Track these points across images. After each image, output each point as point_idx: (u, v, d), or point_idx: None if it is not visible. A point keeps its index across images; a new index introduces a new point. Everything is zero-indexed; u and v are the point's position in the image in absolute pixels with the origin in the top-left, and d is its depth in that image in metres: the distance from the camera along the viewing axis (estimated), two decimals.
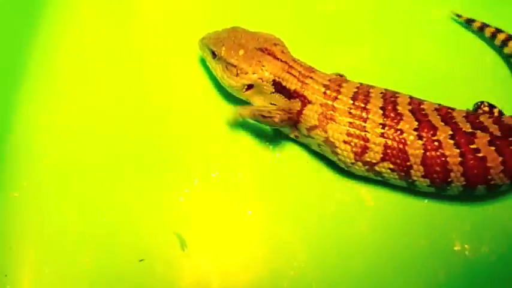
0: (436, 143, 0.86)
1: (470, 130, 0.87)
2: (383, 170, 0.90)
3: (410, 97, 0.93)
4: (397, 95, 0.93)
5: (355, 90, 0.92)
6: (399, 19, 1.15)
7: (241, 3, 1.16)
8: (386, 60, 1.10)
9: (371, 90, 0.93)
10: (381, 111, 0.89)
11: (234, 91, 1.00)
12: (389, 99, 0.91)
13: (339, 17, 1.15)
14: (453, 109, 0.92)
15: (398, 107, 0.90)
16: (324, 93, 0.92)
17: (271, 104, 0.97)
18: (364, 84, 0.95)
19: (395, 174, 0.90)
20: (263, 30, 1.01)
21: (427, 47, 1.11)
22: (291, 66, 0.95)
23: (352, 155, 0.90)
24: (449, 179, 0.87)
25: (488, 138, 0.86)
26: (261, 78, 0.95)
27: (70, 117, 0.99)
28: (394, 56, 1.10)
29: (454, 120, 0.89)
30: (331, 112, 0.90)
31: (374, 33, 1.13)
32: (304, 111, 0.93)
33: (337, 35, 1.13)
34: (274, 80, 0.95)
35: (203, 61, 1.05)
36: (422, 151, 0.86)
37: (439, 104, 0.93)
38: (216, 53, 0.99)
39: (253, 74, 0.95)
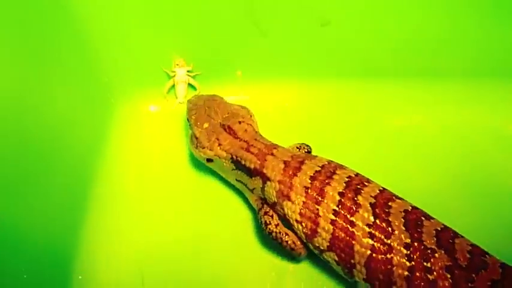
0: (385, 247, 0.77)
1: (432, 246, 0.76)
2: (329, 259, 0.84)
3: (382, 190, 0.84)
4: (366, 183, 0.85)
5: (318, 169, 0.87)
6: None
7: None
8: None
9: (337, 172, 0.86)
10: (338, 197, 0.82)
11: (201, 160, 1.01)
12: (354, 186, 0.83)
13: None
14: (430, 218, 0.81)
15: (359, 197, 0.82)
16: (284, 170, 0.88)
17: (237, 180, 0.97)
18: (334, 163, 0.89)
19: (340, 268, 0.83)
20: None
21: None
22: (250, 145, 0.93)
23: (303, 236, 0.86)
24: None
25: (449, 263, 0.75)
26: (217, 156, 0.96)
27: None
28: None
29: (419, 229, 0.78)
30: (288, 190, 0.86)
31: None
32: (265, 188, 0.91)
33: None
34: (232, 158, 0.94)
35: None
36: (369, 251, 0.78)
37: (420, 210, 0.83)
38: (188, 119, 1.02)
39: (210, 150, 0.96)
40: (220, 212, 1.02)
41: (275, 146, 0.94)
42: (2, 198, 0.82)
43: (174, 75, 1.16)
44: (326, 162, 0.89)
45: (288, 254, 0.93)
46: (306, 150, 1.02)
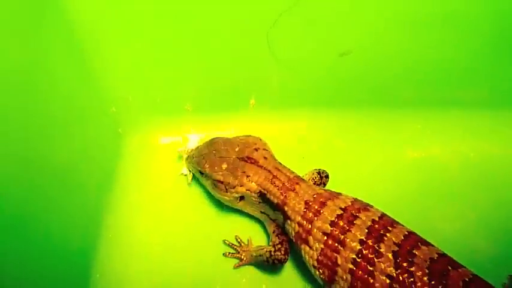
0: None
1: None
2: None
3: (407, 235, 0.80)
4: (390, 228, 0.81)
5: (340, 212, 0.83)
6: None
7: None
8: None
9: (360, 216, 0.83)
10: (359, 246, 0.78)
11: (229, 203, 0.99)
12: (377, 233, 0.79)
13: None
14: (457, 267, 0.77)
15: (382, 245, 0.78)
16: (304, 211, 0.85)
17: (261, 212, 0.96)
18: (358, 204, 0.85)
19: None
20: None
21: None
22: (275, 176, 0.91)
23: (321, 281, 0.84)
24: None
25: None
26: (249, 190, 0.93)
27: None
28: None
29: (444, 281, 0.74)
30: (306, 234, 0.84)
31: None
32: (285, 225, 0.89)
33: None
34: (260, 192, 0.92)
35: None
36: None
37: (447, 258, 0.79)
38: (201, 171, 0.98)
39: (241, 186, 0.93)
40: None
41: (297, 181, 0.90)
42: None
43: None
44: (350, 203, 0.85)
45: (252, 258, 0.96)
46: (325, 176, 1.00)
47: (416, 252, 0.77)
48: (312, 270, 0.85)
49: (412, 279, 0.74)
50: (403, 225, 0.83)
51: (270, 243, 0.93)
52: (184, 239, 1.02)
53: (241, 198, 0.95)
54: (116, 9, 0.98)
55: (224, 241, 1.00)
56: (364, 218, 0.82)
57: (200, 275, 0.98)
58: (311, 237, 0.83)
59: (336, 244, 0.80)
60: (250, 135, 1.01)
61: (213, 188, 0.98)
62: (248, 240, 1.01)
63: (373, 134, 1.16)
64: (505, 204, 1.03)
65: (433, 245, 0.80)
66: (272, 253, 0.91)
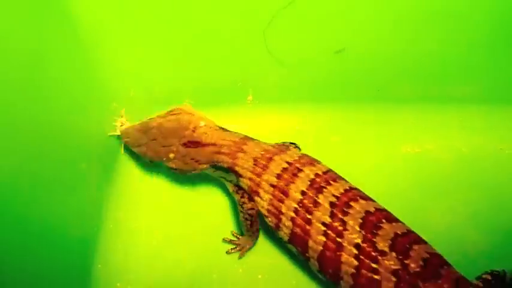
0: (336, 246, 0.82)
1: (384, 249, 0.80)
2: (292, 250, 0.91)
3: (348, 190, 0.87)
4: (332, 182, 0.88)
5: (285, 166, 0.90)
6: None
7: None
8: None
9: (305, 169, 0.89)
10: (300, 196, 0.86)
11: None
12: (318, 185, 0.87)
13: None
14: (393, 221, 0.84)
15: (320, 196, 0.86)
16: (253, 167, 0.92)
17: (219, 176, 1.00)
18: (304, 159, 0.92)
19: (300, 257, 0.90)
20: None
21: None
22: (220, 146, 0.95)
23: (271, 228, 0.92)
24: (339, 285, 0.84)
25: (396, 267, 0.78)
26: (203, 168, 0.98)
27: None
28: None
29: (375, 231, 0.81)
30: (257, 187, 0.91)
31: None
32: (239, 183, 0.95)
33: None
34: (210, 164, 0.97)
35: None
36: (322, 248, 0.83)
37: (385, 213, 0.85)
38: (150, 161, 1.02)
39: (194, 170, 0.98)
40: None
41: (244, 141, 0.96)
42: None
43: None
44: (296, 158, 0.92)
45: (245, 234, 1.00)
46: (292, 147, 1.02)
47: (353, 205, 0.84)
48: (264, 218, 0.92)
49: (342, 227, 0.82)
50: (347, 181, 0.90)
51: (238, 204, 0.98)
52: (184, 229, 1.05)
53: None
54: (117, 4, 1.01)
55: (224, 239, 1.04)
56: (307, 172, 0.89)
57: (198, 265, 1.01)
58: (261, 189, 0.90)
59: (281, 194, 0.88)
60: (179, 110, 1.00)
61: (169, 169, 1.01)
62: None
63: (368, 129, 1.17)
64: (498, 200, 1.05)
65: (374, 201, 0.87)
66: (241, 209, 0.96)
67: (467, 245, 1.00)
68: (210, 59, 1.11)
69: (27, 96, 0.86)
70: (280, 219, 0.88)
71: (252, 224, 0.96)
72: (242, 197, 0.96)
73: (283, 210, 0.87)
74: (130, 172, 1.11)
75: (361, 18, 1.05)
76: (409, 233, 0.83)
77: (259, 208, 0.92)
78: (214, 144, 0.96)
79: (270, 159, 0.92)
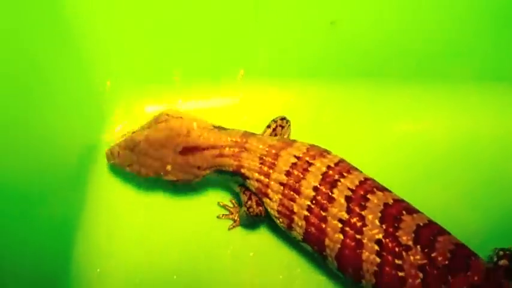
0: (356, 243, 0.76)
1: (408, 243, 0.74)
2: (307, 248, 0.85)
3: (363, 181, 0.82)
4: (346, 174, 0.82)
5: (294, 161, 0.84)
6: None
7: None
8: None
9: (315, 163, 0.83)
10: (313, 193, 0.81)
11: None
12: (331, 178, 0.81)
13: None
14: (413, 212, 0.79)
15: (335, 190, 0.80)
16: (260, 167, 0.86)
17: (224, 180, 0.95)
18: (313, 151, 0.86)
19: (315, 255, 0.85)
20: None
21: None
22: (221, 147, 0.88)
23: (283, 229, 0.87)
24: (361, 284, 0.78)
25: (423, 261, 0.73)
26: (205, 175, 0.91)
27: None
28: None
29: (397, 225, 0.76)
30: (266, 188, 0.85)
31: None
32: (246, 184, 0.89)
33: None
34: (214, 170, 0.90)
35: None
36: (339, 246, 0.78)
37: (404, 204, 0.80)
38: (145, 177, 0.93)
39: (197, 178, 0.91)
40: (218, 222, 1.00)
41: (246, 139, 0.89)
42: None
43: None
44: (305, 151, 0.86)
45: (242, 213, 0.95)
46: (280, 120, 0.98)
47: (370, 197, 0.79)
48: (274, 219, 0.87)
49: (362, 223, 0.77)
50: (361, 172, 0.85)
51: (243, 204, 0.92)
52: (170, 210, 1.00)
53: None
54: None
55: (219, 203, 0.99)
56: (319, 165, 0.83)
57: (185, 247, 0.96)
58: (269, 189, 0.85)
59: (292, 193, 0.82)
60: (166, 116, 0.92)
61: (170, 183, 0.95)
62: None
63: (362, 105, 1.12)
64: (493, 178, 1.02)
65: (390, 191, 0.82)
66: (247, 212, 0.90)
67: (463, 224, 0.95)
68: (199, 31, 1.06)
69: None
70: (292, 220, 0.83)
71: (251, 219, 0.92)
72: (249, 199, 0.89)
73: (295, 209, 0.82)
74: (105, 180, 1.03)
75: None
76: (430, 223, 0.78)
77: (269, 210, 0.86)
78: (214, 147, 0.88)
79: (277, 155, 0.85)
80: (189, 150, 0.89)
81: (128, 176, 1.01)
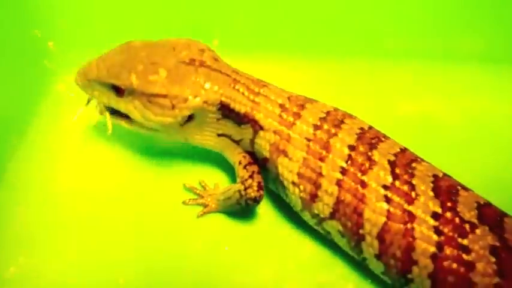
0: (406, 215, 0.61)
1: (472, 220, 0.60)
2: (331, 230, 0.69)
3: (404, 150, 0.69)
4: (383, 138, 0.70)
5: (323, 115, 0.69)
6: None
7: None
8: None
9: (347, 121, 0.70)
10: (348, 151, 0.66)
11: (168, 132, 0.75)
12: (368, 140, 0.68)
13: None
14: (468, 190, 0.65)
15: (375, 152, 0.66)
16: (280, 116, 0.70)
17: (219, 135, 0.75)
18: (341, 111, 0.71)
19: (345, 241, 0.68)
20: None
21: None
22: (235, 80, 0.72)
23: (299, 202, 0.70)
24: (410, 275, 0.62)
25: (494, 243, 0.58)
26: (206, 102, 0.71)
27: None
28: None
29: (454, 198, 0.62)
30: (285, 143, 0.69)
31: None
32: (256, 140, 0.70)
33: None
34: (221, 102, 0.72)
35: None
36: (384, 219, 0.63)
37: (455, 180, 0.67)
38: (122, 87, 0.71)
39: (195, 97, 0.71)
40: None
41: (264, 83, 0.73)
42: None
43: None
44: (332, 109, 0.73)
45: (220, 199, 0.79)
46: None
47: (417, 166, 0.66)
48: (290, 188, 0.71)
49: (413, 192, 0.62)
50: (397, 142, 0.72)
51: (238, 180, 0.75)
52: (120, 192, 0.84)
53: (189, 118, 0.73)
54: None
55: (184, 185, 0.82)
56: (351, 125, 0.70)
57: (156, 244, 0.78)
58: (291, 145, 0.70)
59: (321, 150, 0.68)
60: (187, 38, 0.79)
61: (144, 110, 0.72)
62: (215, 185, 0.83)
63: (361, 84, 1.05)
64: (501, 156, 0.95)
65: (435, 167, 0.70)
66: (242, 192, 0.74)
67: None
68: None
69: None
70: (319, 186, 0.67)
71: (239, 204, 0.75)
72: (251, 177, 0.73)
73: (324, 171, 0.67)
74: (49, 125, 0.91)
75: None
76: (489, 204, 0.65)
77: (286, 174, 0.70)
78: (227, 75, 0.73)
79: (302, 106, 0.71)
80: (198, 62, 0.72)
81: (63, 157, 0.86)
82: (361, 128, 0.70)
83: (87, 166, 0.87)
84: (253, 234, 0.79)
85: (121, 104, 0.74)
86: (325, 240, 0.76)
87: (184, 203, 0.80)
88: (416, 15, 1.04)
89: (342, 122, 0.70)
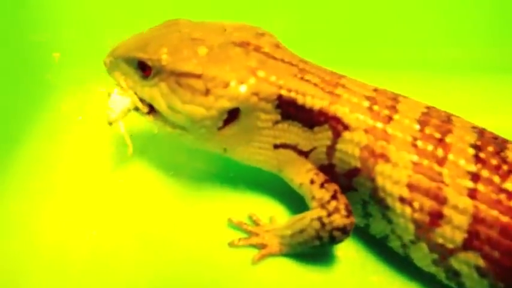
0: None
1: None
2: (464, 268, 0.50)
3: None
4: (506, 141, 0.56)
5: (424, 110, 0.56)
6: None
7: None
8: None
9: (453, 118, 0.56)
10: (473, 151, 0.52)
11: (200, 135, 0.58)
12: (489, 138, 0.54)
13: None
14: None
15: (508, 153, 0.52)
16: (370, 110, 0.55)
17: (276, 146, 0.59)
18: (433, 107, 0.59)
19: (485, 282, 0.50)
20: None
21: None
22: (304, 70, 0.58)
23: (412, 228, 0.52)
24: None
25: None
26: (257, 94, 0.55)
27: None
28: None
29: None
30: (383, 143, 0.54)
31: None
32: (337, 146, 0.55)
33: None
34: (281, 97, 0.56)
35: None
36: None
37: None
38: (148, 63, 0.56)
39: (241, 84, 0.55)
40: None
41: (339, 75, 0.59)
42: None
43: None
44: (425, 105, 0.59)
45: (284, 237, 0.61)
46: None
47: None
48: (397, 208, 0.53)
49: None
50: None
51: (315, 204, 0.57)
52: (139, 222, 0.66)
53: (231, 117, 0.56)
54: None
55: (230, 220, 0.64)
56: (461, 121, 0.57)
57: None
58: (392, 146, 0.52)
59: (435, 148, 0.52)
60: (244, 23, 0.65)
61: (169, 99, 0.55)
62: (271, 218, 0.66)
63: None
64: None
65: None
66: (325, 219, 0.56)
67: None
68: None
69: None
70: (444, 200, 0.50)
71: (319, 239, 0.57)
72: (334, 197, 0.55)
73: (447, 179, 0.50)
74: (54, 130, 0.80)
75: None
76: None
77: (389, 187, 0.52)
78: (292, 64, 0.57)
79: (395, 100, 0.56)
80: (253, 47, 0.56)
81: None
82: (474, 127, 0.57)
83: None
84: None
85: (145, 90, 0.57)
86: None
87: (231, 244, 0.62)
88: (423, 25, 1.00)
89: (449, 117, 0.57)
